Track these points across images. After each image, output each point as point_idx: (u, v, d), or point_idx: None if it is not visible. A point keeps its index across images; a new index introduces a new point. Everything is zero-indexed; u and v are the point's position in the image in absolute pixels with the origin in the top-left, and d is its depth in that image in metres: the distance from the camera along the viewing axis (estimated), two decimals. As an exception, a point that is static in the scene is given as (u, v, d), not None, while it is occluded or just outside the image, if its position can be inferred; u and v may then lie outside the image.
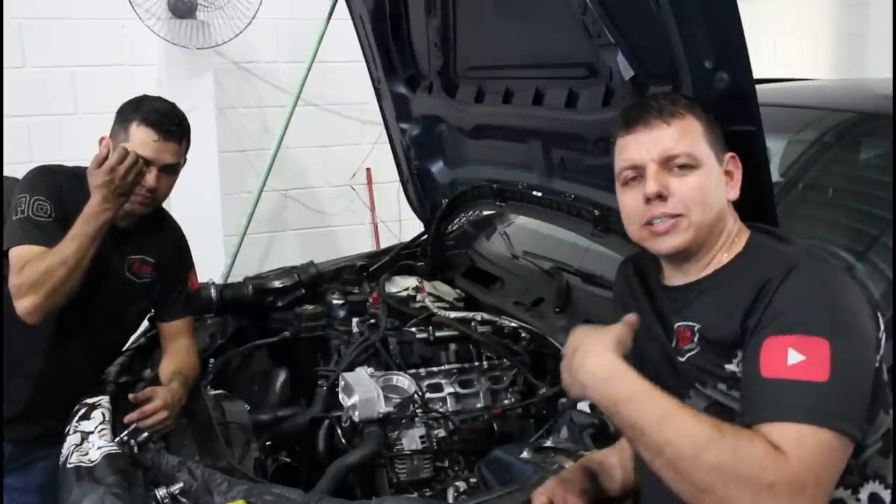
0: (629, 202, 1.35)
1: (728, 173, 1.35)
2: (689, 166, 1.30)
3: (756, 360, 1.17)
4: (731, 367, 1.24)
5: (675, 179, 1.30)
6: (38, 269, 1.83)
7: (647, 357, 1.38)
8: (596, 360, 1.21)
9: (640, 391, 1.17)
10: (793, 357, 1.13)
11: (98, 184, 1.84)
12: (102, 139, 2.01)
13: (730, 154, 1.36)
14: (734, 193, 1.35)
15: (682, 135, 1.31)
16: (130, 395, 1.86)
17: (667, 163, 1.30)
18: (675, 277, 1.39)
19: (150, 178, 1.95)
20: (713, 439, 1.10)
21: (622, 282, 1.51)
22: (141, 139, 1.93)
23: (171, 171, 2.01)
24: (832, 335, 1.14)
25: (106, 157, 1.86)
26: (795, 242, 1.33)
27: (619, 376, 1.19)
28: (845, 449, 1.12)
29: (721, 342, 1.25)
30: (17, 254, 1.88)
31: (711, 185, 1.31)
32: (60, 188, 1.99)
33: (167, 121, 1.96)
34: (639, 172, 1.33)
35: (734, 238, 1.35)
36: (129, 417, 1.81)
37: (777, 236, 1.35)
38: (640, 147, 1.33)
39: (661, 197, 1.30)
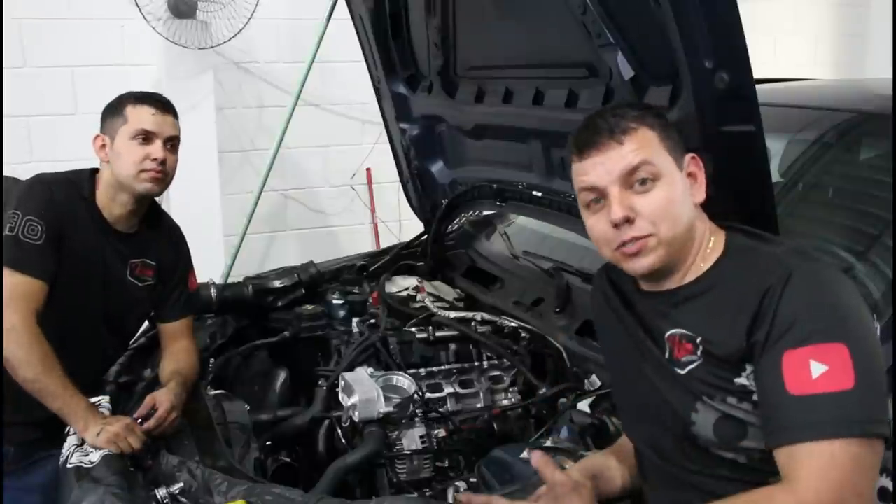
0: (597, 227, 1.32)
1: (691, 175, 1.32)
2: (651, 179, 1.27)
3: (779, 376, 1.16)
4: (741, 380, 1.23)
5: (639, 197, 1.27)
6: (8, 345, 1.84)
7: (639, 373, 1.36)
8: None
9: None
10: (816, 369, 1.13)
11: (92, 438, 1.77)
12: (97, 138, 2.06)
13: (690, 155, 1.33)
14: (700, 195, 1.32)
15: (638, 149, 1.28)
16: (135, 418, 1.83)
17: (628, 180, 1.28)
18: (653, 285, 1.37)
19: (157, 149, 2.00)
20: None
21: (598, 293, 1.50)
22: (140, 115, 2.01)
23: (173, 144, 2.05)
24: (847, 337, 1.14)
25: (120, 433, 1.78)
26: (778, 241, 1.32)
27: None
28: (878, 451, 1.13)
29: (729, 358, 1.24)
30: (6, 279, 1.90)
31: (677, 194, 1.29)
32: (53, 199, 1.99)
33: (158, 97, 2.07)
34: (600, 194, 1.30)
35: (709, 240, 1.33)
36: (147, 426, 1.82)
37: (755, 235, 1.34)
38: (597, 169, 1.29)
39: (628, 220, 1.27)
